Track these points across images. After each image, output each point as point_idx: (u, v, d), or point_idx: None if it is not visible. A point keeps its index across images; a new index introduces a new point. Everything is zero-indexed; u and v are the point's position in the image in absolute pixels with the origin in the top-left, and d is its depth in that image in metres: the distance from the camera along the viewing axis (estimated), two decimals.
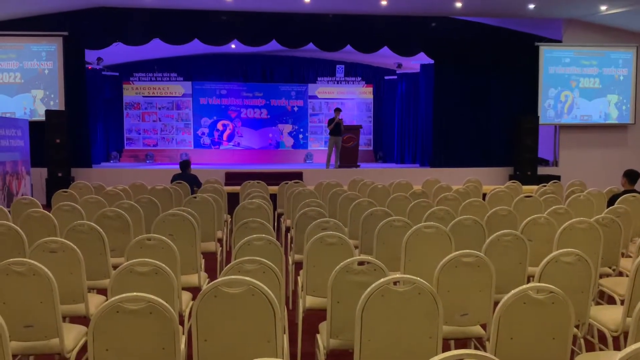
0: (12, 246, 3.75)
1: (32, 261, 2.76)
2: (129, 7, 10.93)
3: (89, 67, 12.72)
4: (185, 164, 8.05)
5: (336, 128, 11.85)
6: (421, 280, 2.32)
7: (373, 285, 2.31)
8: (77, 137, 11.00)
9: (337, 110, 12.15)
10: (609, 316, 3.16)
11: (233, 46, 12.44)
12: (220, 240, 5.65)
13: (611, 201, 5.57)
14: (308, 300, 3.44)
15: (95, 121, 13.24)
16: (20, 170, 9.43)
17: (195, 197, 5.68)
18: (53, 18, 10.94)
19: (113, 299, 2.13)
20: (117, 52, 12.43)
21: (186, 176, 7.78)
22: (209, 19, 11.20)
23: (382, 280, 2.33)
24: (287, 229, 6.31)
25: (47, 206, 6.77)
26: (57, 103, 11.01)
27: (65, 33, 10.95)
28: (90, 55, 12.37)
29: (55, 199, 6.09)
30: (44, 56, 11.03)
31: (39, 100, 11.04)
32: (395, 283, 2.37)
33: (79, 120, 11.18)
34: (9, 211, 5.28)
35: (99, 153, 13.35)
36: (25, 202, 5.63)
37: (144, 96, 14.73)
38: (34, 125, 10.20)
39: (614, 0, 10.29)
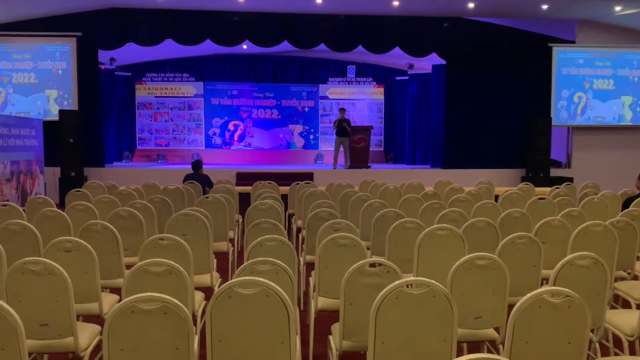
0: (27, 245, 3.78)
1: (48, 260, 2.78)
2: (142, 8, 11.00)
3: (102, 68, 12.83)
4: (197, 164, 8.09)
5: (341, 128, 11.73)
6: (436, 282, 2.31)
7: (388, 287, 2.30)
8: (90, 137, 11.09)
9: (341, 110, 12.09)
10: (624, 320, 3.13)
11: (244, 47, 12.48)
12: (231, 240, 5.66)
13: (626, 204, 5.52)
14: (320, 302, 3.44)
15: (108, 121, 13.36)
16: (34, 169, 9.53)
17: (207, 197, 5.70)
18: (67, 19, 11.04)
19: (128, 299, 2.14)
20: (130, 53, 12.54)
21: (198, 176, 7.82)
22: (220, 20, 11.24)
23: (397, 282, 2.32)
24: (299, 230, 6.31)
25: (61, 205, 6.83)
26: (71, 103, 11.11)
27: (79, 34, 11.04)
28: (104, 56, 12.49)
29: (69, 199, 6.14)
30: (57, 56, 11.13)
31: (52, 100, 11.14)
32: (408, 285, 2.36)
33: (92, 120, 11.27)
34: (24, 210, 5.32)
35: (111, 153, 13.45)
36: (39, 201, 5.68)
37: (156, 96, 14.83)
38: (47, 125, 10.33)
39: (628, 1, 10.18)
